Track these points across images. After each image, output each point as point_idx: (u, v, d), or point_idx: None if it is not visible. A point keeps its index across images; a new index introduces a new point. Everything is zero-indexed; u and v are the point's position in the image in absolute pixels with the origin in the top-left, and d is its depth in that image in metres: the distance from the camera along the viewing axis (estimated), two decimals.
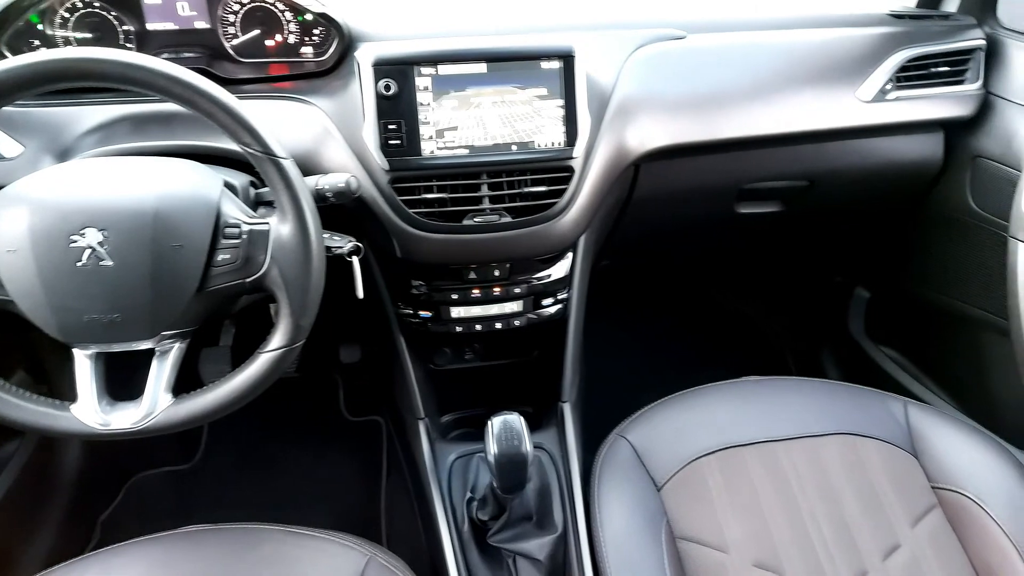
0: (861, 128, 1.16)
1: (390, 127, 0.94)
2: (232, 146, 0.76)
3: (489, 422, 0.91)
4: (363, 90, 0.94)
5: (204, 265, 0.74)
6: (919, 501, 0.99)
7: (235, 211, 0.78)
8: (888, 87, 1.15)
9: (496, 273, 1.07)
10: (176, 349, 0.78)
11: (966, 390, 1.35)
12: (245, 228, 0.76)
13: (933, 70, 1.17)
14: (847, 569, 0.93)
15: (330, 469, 1.57)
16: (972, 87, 1.19)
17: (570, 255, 1.11)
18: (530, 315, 1.12)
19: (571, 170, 1.00)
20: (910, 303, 1.47)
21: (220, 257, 0.75)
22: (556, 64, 0.97)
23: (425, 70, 0.94)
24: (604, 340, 1.61)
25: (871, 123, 1.15)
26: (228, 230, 0.75)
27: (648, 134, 1.07)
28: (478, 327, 1.10)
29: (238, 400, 0.77)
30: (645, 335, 1.86)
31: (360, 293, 0.91)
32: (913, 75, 1.16)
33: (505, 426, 0.90)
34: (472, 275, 1.06)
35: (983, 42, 1.20)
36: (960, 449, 1.03)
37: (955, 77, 1.19)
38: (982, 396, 1.28)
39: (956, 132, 1.22)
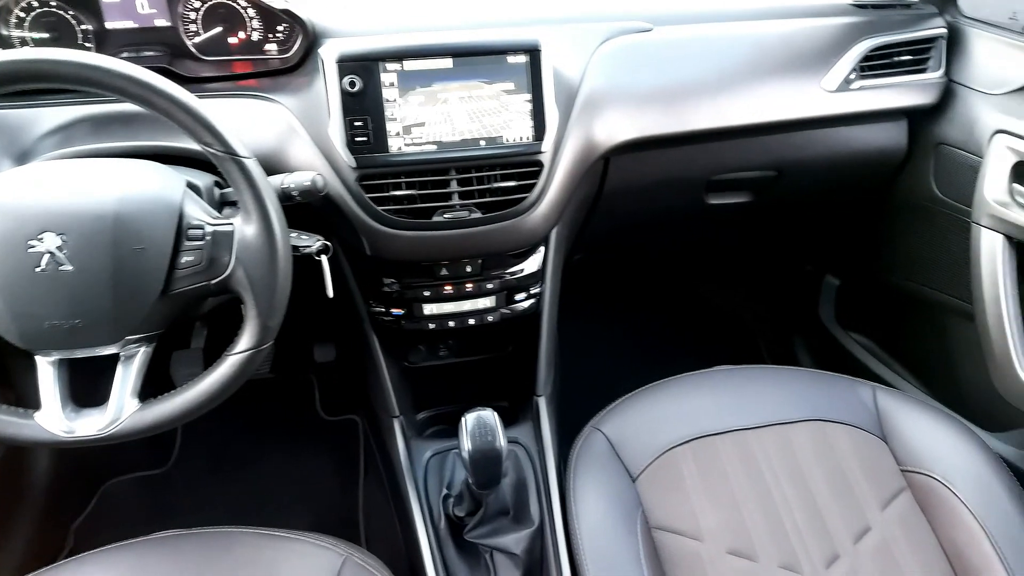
0: (826, 117, 1.17)
1: (356, 124, 0.93)
2: (195, 146, 0.75)
3: (463, 419, 0.91)
4: (328, 87, 0.93)
5: (167, 268, 0.73)
6: (889, 484, 1.01)
7: (198, 212, 0.77)
8: (852, 76, 1.16)
9: (468, 269, 1.07)
10: (142, 353, 0.77)
11: (934, 374, 1.37)
12: (209, 229, 0.75)
13: (896, 59, 1.19)
14: (819, 554, 0.95)
15: (307, 469, 1.56)
16: (934, 75, 1.21)
17: (542, 249, 1.11)
18: (503, 310, 1.12)
19: (540, 164, 1.00)
20: (878, 290, 1.49)
21: (184, 259, 0.74)
22: (522, 58, 0.96)
23: (390, 66, 0.93)
24: (579, 333, 1.62)
25: (836, 112, 1.16)
26: (191, 232, 0.74)
27: (616, 127, 1.07)
28: (451, 324, 1.10)
29: (206, 404, 0.77)
30: (621, 327, 1.87)
31: (330, 292, 0.91)
32: (876, 64, 1.18)
33: (479, 422, 0.90)
34: (444, 272, 1.06)
35: (944, 30, 1.21)
36: (928, 432, 1.05)
37: (918, 66, 1.20)
38: (949, 380, 1.31)
39: (919, 120, 1.24)
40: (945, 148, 1.20)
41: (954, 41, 1.22)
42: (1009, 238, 1.06)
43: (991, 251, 1.08)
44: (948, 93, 1.21)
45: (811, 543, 0.96)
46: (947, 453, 1.02)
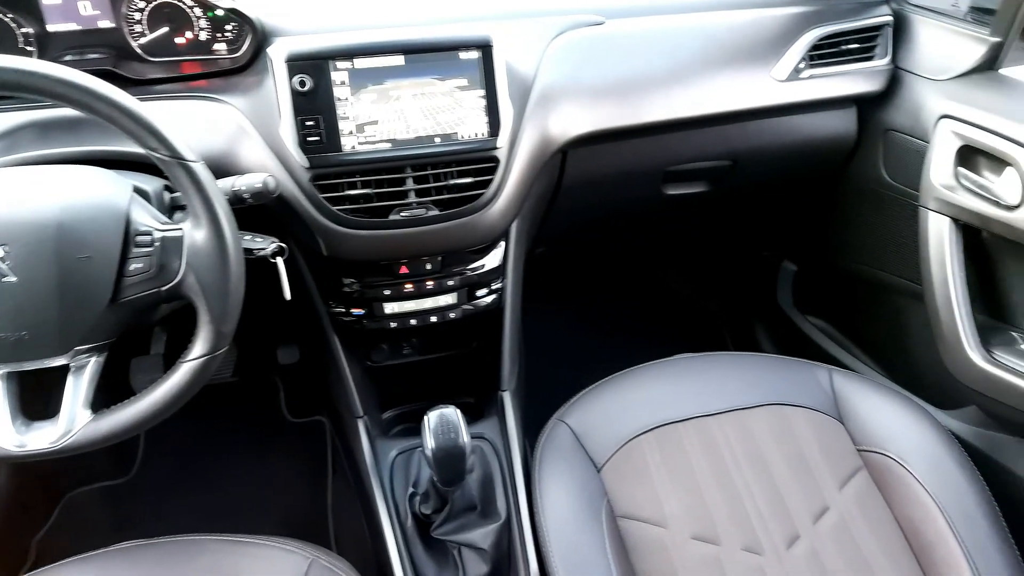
0: (778, 107, 1.18)
1: (308, 123, 0.92)
2: (142, 151, 0.73)
3: (425, 416, 0.92)
4: (277, 87, 0.92)
5: (115, 276, 0.72)
6: (846, 464, 1.04)
7: (146, 218, 0.75)
8: (802, 66, 1.18)
9: (428, 267, 1.06)
10: (92, 364, 0.75)
11: (888, 355, 1.40)
12: (157, 235, 0.74)
13: (844, 47, 1.21)
14: (780, 535, 0.97)
15: (274, 473, 1.55)
16: (881, 63, 1.23)
17: (502, 244, 1.12)
18: (465, 307, 1.12)
19: (496, 160, 1.00)
20: (834, 274, 1.52)
21: (132, 267, 0.73)
22: (475, 54, 0.96)
23: (341, 64, 0.92)
24: (545, 326, 1.63)
25: (787, 101, 1.18)
26: (139, 238, 0.73)
27: (572, 121, 1.08)
28: (413, 322, 1.09)
29: (161, 412, 0.76)
30: (586, 319, 1.88)
31: (287, 295, 0.90)
32: (825, 53, 1.20)
33: (441, 420, 0.91)
34: (404, 270, 1.06)
35: (890, 18, 1.23)
36: (882, 412, 1.07)
37: (865, 53, 1.22)
38: (902, 360, 1.34)
39: (868, 107, 1.26)
40: (893, 134, 1.22)
41: (900, 28, 1.24)
42: (956, 221, 1.09)
43: (939, 234, 1.10)
44: (895, 80, 1.23)
45: (772, 525, 0.98)
46: (901, 432, 1.04)
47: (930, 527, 0.96)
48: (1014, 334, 1.08)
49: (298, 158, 0.93)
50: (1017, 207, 1.00)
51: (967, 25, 1.15)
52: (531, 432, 1.10)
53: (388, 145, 0.95)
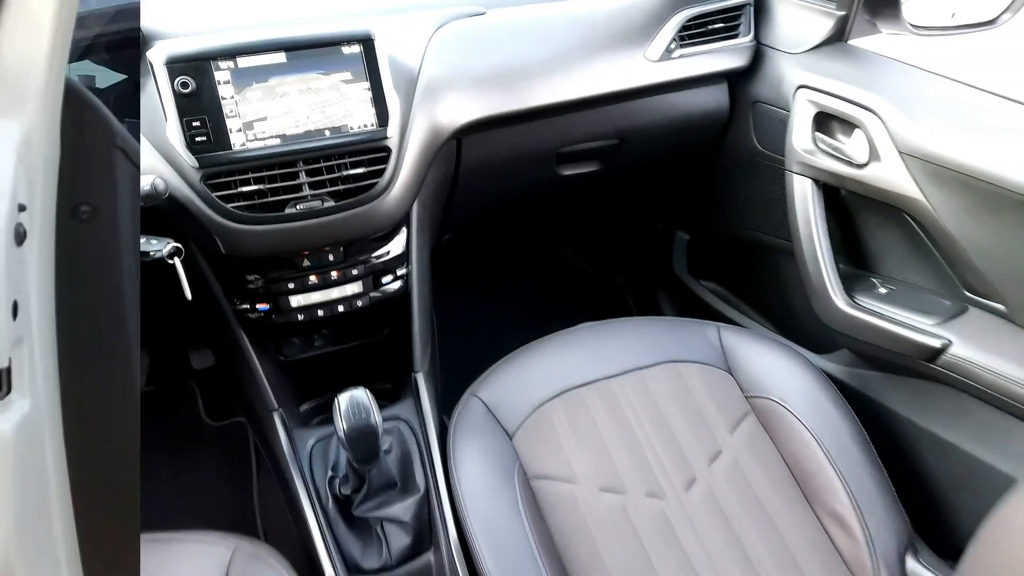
0: (654, 86, 1.26)
1: (194, 124, 0.93)
2: None
3: (336, 400, 0.95)
4: (160, 90, 0.93)
5: None
6: (735, 411, 1.13)
7: None
8: (673, 46, 1.26)
9: (331, 257, 1.09)
10: None
11: (771, 309, 1.52)
12: None
13: (710, 27, 1.29)
14: (679, 479, 1.05)
15: (198, 479, 1.54)
16: (745, 40, 1.31)
17: (404, 230, 1.15)
18: (373, 294, 1.14)
19: (387, 149, 1.03)
20: (721, 240, 1.62)
21: None
22: (356, 48, 0.99)
23: (223, 64, 0.94)
24: (460, 309, 1.67)
25: (662, 80, 1.26)
26: None
27: (459, 109, 1.12)
28: (321, 313, 1.11)
29: None
30: (499, 300, 1.93)
31: (188, 295, 0.91)
32: (694, 33, 1.28)
33: (352, 401, 0.94)
34: (306, 262, 1.08)
35: None
36: (766, 361, 1.17)
37: (730, 32, 1.31)
38: (784, 313, 1.45)
39: (737, 81, 1.35)
40: (760, 105, 1.32)
41: (760, 7, 1.33)
42: (816, 181, 1.19)
43: (803, 194, 1.21)
44: (758, 55, 1.32)
45: (671, 471, 1.06)
46: (783, 378, 1.14)
47: (811, 459, 1.06)
48: (873, 279, 1.19)
49: (187, 159, 0.94)
50: (866, 165, 1.10)
51: (817, 1, 1.25)
52: (449, 409, 1.15)
53: (278, 140, 0.97)
